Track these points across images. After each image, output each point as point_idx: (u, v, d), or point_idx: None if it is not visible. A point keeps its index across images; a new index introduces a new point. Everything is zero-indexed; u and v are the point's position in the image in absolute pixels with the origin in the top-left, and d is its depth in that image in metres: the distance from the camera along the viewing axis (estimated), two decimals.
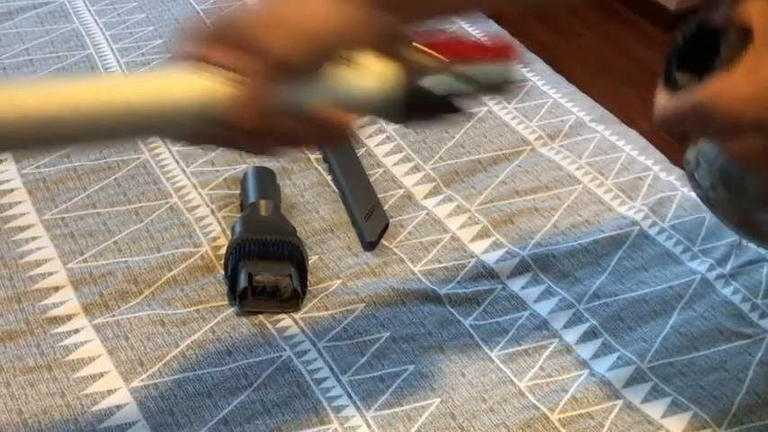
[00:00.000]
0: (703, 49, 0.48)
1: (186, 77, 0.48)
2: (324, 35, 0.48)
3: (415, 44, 0.51)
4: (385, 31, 0.50)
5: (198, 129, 0.49)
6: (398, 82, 0.49)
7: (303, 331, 0.71)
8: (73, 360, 0.68)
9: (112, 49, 1.03)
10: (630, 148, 0.92)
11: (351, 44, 0.50)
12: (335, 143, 0.54)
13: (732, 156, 0.48)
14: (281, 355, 0.69)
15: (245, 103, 0.47)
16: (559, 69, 1.07)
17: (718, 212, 0.61)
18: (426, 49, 0.50)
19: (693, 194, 0.64)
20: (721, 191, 0.59)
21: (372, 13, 0.49)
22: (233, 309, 0.73)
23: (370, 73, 0.50)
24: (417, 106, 0.51)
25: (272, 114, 0.48)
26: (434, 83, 0.50)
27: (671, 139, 0.61)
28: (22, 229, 0.79)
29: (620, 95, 2.05)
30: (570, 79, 1.04)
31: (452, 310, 0.74)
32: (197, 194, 0.84)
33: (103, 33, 1.06)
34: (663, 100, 0.50)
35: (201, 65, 0.48)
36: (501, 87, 0.52)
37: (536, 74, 1.03)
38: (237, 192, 0.84)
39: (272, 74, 0.48)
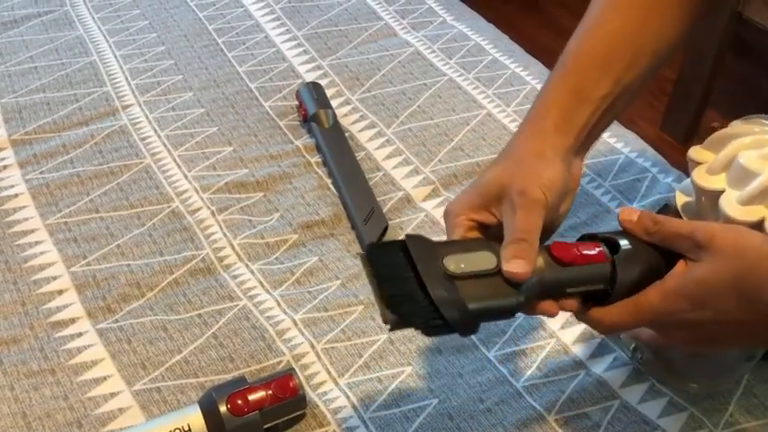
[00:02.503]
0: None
1: None
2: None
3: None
4: None
5: None
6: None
7: (302, 334, 0.72)
8: (76, 364, 0.69)
9: (116, 56, 1.05)
10: (629, 150, 0.92)
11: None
12: None
13: (665, 344, 0.56)
14: (281, 361, 0.70)
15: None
16: None
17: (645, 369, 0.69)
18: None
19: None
20: (647, 353, 0.68)
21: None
22: (233, 313, 0.74)
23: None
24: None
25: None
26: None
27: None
28: (25, 233, 0.80)
29: None
30: None
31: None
32: (198, 198, 0.84)
33: (107, 40, 1.08)
34: (600, 314, 0.55)
35: None
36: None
37: (534, 77, 1.03)
38: (239, 195, 0.85)
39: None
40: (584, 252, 0.54)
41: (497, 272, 0.52)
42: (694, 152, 0.64)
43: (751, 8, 1.64)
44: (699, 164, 0.63)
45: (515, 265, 0.51)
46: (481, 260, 0.52)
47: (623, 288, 0.54)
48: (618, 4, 0.62)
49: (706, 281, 0.51)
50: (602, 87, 0.59)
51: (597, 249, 0.55)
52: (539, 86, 1.01)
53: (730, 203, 0.58)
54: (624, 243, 0.55)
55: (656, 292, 0.53)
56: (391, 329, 0.50)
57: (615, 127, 0.96)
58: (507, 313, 0.53)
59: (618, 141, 0.93)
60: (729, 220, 0.57)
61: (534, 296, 0.53)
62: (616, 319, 0.55)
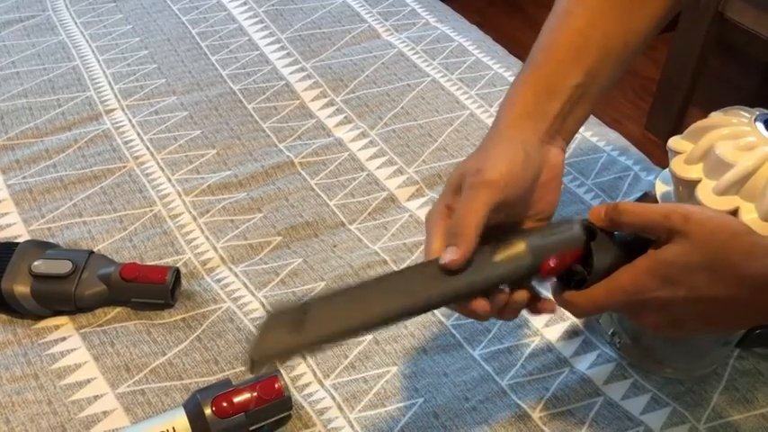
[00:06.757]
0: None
1: None
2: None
3: None
4: None
5: None
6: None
7: None
8: (59, 368, 0.69)
9: (98, 61, 1.04)
10: (611, 148, 0.93)
11: None
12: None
13: (643, 327, 0.55)
14: None
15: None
16: None
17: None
18: None
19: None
20: (625, 337, 0.69)
21: None
22: (217, 315, 0.74)
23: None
24: None
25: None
26: None
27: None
28: (8, 239, 0.80)
29: (608, 98, 2.06)
30: None
31: (434, 310, 0.74)
32: (180, 202, 0.84)
33: (90, 45, 1.07)
34: (576, 297, 0.55)
35: None
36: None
37: None
38: (221, 196, 0.85)
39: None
40: None
41: None
42: (674, 142, 0.64)
43: (732, 8, 1.66)
44: (678, 153, 0.63)
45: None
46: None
47: (600, 272, 0.54)
48: None
49: (679, 260, 0.51)
50: (572, 77, 0.59)
51: None
52: None
53: (706, 193, 0.59)
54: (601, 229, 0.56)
55: (626, 272, 0.54)
56: None
57: (597, 126, 0.97)
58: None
59: (600, 140, 0.94)
60: None
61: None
62: (587, 302, 0.55)
